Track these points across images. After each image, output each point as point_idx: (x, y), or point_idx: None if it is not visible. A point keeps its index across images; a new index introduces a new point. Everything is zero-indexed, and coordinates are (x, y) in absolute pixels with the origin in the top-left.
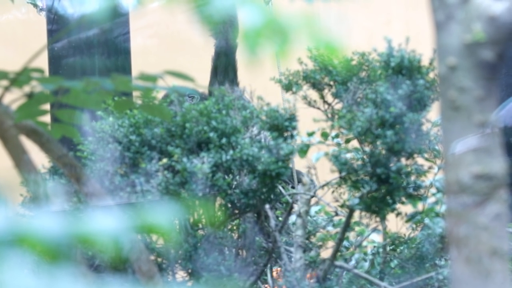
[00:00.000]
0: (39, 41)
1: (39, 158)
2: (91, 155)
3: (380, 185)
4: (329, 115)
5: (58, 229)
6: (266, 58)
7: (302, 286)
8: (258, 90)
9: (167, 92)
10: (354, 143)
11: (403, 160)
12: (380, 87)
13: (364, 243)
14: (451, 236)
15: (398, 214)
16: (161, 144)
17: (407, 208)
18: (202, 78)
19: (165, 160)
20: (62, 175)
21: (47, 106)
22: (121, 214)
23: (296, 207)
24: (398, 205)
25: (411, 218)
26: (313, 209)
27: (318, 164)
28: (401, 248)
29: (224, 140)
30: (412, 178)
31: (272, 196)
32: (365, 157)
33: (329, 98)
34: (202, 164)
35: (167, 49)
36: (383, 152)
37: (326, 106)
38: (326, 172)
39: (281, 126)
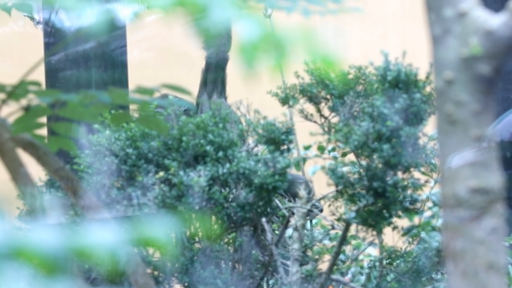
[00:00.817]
0: (36, 54)
1: (36, 171)
2: (87, 168)
3: (376, 198)
4: (326, 129)
5: (55, 242)
6: (263, 71)
7: None
8: (254, 104)
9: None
10: (351, 157)
11: (400, 174)
12: (376, 101)
13: (361, 257)
14: (447, 250)
15: (395, 228)
16: (157, 157)
17: (403, 222)
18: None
19: (161, 173)
20: (58, 188)
21: (44, 119)
22: (118, 227)
23: (292, 221)
24: (394, 219)
25: (407, 232)
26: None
27: (314, 177)
28: (398, 262)
29: (220, 154)
30: (409, 192)
31: (268, 210)
32: (361, 170)
33: (326, 112)
34: (198, 177)
35: (164, 62)
36: (380, 166)
37: (323, 120)
38: (323, 186)
39: (278, 139)
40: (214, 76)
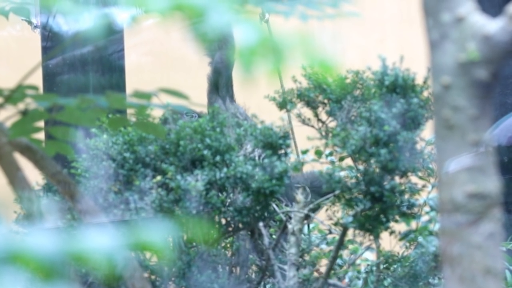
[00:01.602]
0: (34, 58)
1: (33, 175)
2: (85, 172)
3: (374, 203)
4: (323, 133)
5: (52, 247)
6: (260, 75)
7: None
8: (252, 108)
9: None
10: (348, 161)
11: (397, 179)
12: (374, 106)
13: (358, 261)
14: (444, 254)
15: (392, 232)
16: (155, 161)
17: (400, 227)
18: (196, 95)
19: (159, 178)
20: (56, 192)
21: (41, 123)
22: (115, 232)
23: (290, 225)
24: (391, 224)
25: (404, 236)
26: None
27: None
28: (395, 266)
29: (218, 158)
30: (406, 196)
31: (266, 214)
32: (359, 175)
33: (323, 116)
34: (196, 181)
35: (162, 66)
36: (377, 170)
37: (320, 124)
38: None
39: (275, 144)
40: (224, 81)
